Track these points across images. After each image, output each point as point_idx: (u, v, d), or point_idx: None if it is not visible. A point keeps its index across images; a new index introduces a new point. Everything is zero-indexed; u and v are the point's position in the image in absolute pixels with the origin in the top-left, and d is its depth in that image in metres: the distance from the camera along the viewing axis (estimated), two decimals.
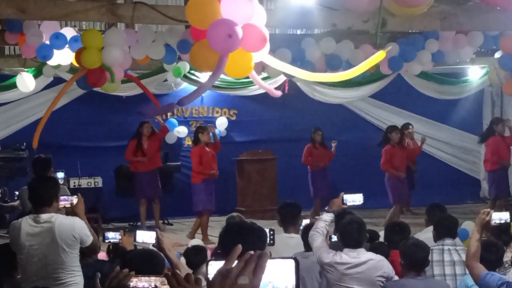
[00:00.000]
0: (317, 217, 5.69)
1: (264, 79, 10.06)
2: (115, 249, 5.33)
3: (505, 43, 8.74)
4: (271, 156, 11.60)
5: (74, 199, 4.74)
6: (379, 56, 5.35)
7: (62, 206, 4.72)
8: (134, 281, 2.35)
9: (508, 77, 9.25)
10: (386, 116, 12.49)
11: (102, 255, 5.62)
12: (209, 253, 5.45)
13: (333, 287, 4.63)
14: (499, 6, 6.60)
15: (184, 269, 4.08)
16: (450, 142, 12.98)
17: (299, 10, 6.52)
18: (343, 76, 5.86)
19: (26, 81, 9.40)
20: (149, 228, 7.52)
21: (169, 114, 11.78)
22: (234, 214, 6.26)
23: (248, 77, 5.32)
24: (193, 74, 10.28)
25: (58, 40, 7.54)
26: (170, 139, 11.53)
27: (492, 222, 4.38)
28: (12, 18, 6.94)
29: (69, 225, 4.43)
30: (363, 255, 4.60)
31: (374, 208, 10.46)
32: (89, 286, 4.35)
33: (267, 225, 4.79)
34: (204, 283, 1.85)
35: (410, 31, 8.64)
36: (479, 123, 12.93)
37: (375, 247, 5.13)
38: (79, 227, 4.46)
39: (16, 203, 8.77)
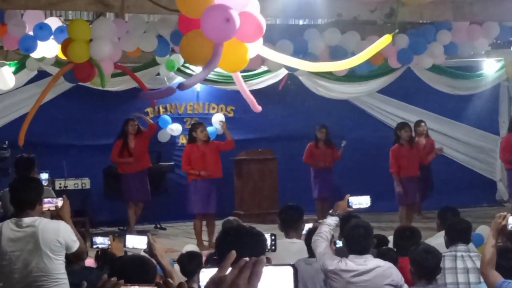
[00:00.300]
0: (320, 221, 5.68)
1: (264, 72, 10.07)
2: (103, 256, 5.34)
3: None
4: (271, 155, 11.57)
5: (59, 202, 4.75)
6: (385, 40, 5.32)
7: (46, 209, 4.72)
8: None
9: None
10: (394, 113, 12.47)
11: (89, 262, 5.63)
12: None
13: None
14: None
15: (177, 277, 4.08)
16: (463, 140, 12.93)
17: None
18: (348, 63, 5.84)
19: (5, 77, 9.30)
20: (140, 233, 7.51)
21: (162, 110, 11.77)
22: (231, 218, 6.25)
23: (246, 71, 5.30)
24: (188, 68, 10.20)
25: (42, 31, 7.50)
26: (163, 137, 11.52)
27: (509, 227, 4.37)
28: None
29: (53, 229, 4.42)
30: (370, 262, 4.59)
31: (382, 212, 10.44)
32: None
33: (267, 230, 4.79)
34: None
35: (420, 21, 8.63)
36: (495, 120, 12.93)
37: (382, 253, 5.13)
38: (65, 231, 4.45)
39: None
